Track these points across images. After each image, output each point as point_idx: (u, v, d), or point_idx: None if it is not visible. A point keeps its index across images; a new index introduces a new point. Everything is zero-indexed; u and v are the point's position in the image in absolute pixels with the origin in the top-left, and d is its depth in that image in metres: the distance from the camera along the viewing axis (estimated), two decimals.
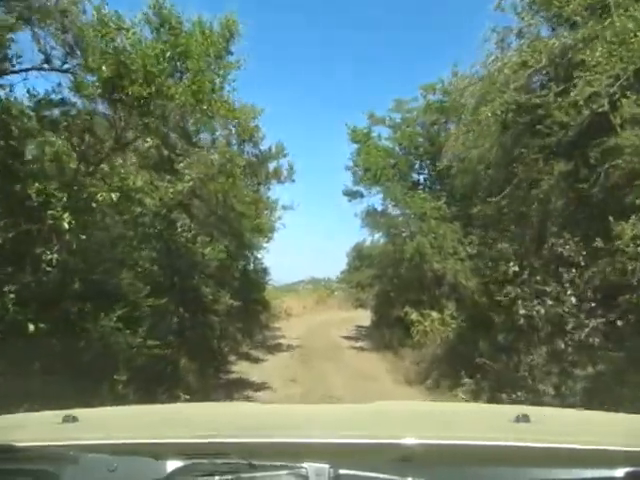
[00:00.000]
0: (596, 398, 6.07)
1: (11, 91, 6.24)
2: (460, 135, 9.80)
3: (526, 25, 8.16)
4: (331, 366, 13.72)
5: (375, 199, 17.17)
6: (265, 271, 20.00)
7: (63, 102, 6.33)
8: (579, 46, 7.00)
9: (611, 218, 6.23)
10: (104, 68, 5.77)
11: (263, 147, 17.03)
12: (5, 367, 5.34)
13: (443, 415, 1.91)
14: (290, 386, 10.93)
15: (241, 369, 13.02)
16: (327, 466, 1.15)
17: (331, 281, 40.10)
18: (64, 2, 6.43)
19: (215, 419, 1.82)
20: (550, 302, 7.25)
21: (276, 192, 18.87)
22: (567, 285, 7.16)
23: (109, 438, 1.37)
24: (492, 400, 7.85)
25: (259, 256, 18.74)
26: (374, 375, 12.62)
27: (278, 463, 1.18)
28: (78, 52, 6.36)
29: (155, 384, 7.91)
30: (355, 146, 16.72)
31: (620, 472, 1.13)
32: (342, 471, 1.15)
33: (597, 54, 6.44)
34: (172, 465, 1.19)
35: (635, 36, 6.13)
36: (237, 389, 10.47)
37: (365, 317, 24.69)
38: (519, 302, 7.62)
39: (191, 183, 10.56)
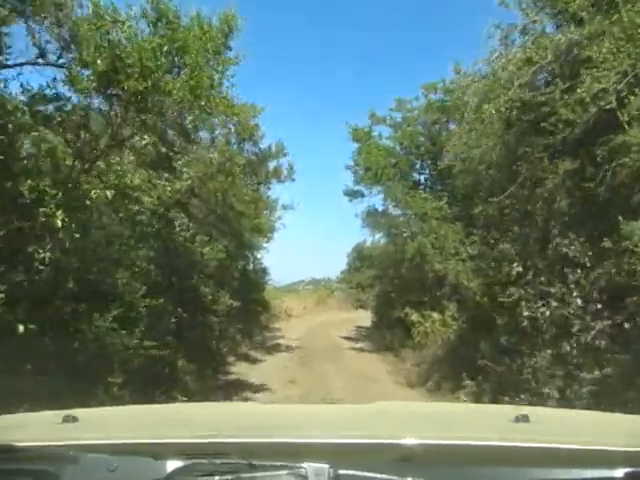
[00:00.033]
0: (602, 401, 5.97)
1: (5, 86, 6.15)
2: (463, 134, 9.66)
3: (531, 22, 8.04)
4: (331, 367, 13.64)
5: (376, 199, 17.14)
6: (265, 271, 20.00)
7: (57, 97, 6.20)
8: (585, 42, 6.89)
9: (620, 217, 6.11)
10: (99, 62, 5.64)
11: (263, 146, 16.95)
12: None
13: (443, 415, 1.93)
14: (289, 387, 10.85)
15: (240, 370, 12.94)
16: (327, 466, 1.15)
17: (331, 281, 40.15)
18: None
19: (215, 419, 1.83)
20: (555, 304, 7.13)
21: (276, 191, 18.86)
22: (572, 286, 7.05)
23: (109, 438, 1.37)
24: (494, 403, 7.72)
25: (259, 256, 18.72)
26: (374, 376, 12.53)
27: (278, 463, 1.18)
28: (73, 46, 6.23)
29: (152, 386, 7.84)
30: (356, 145, 16.69)
31: (620, 472, 1.13)
32: (342, 471, 1.16)
33: (604, 50, 6.33)
34: (172, 465, 1.19)
35: None
36: (236, 390, 10.39)
37: (365, 318, 24.62)
38: (523, 303, 7.51)
39: (190, 182, 10.46)
